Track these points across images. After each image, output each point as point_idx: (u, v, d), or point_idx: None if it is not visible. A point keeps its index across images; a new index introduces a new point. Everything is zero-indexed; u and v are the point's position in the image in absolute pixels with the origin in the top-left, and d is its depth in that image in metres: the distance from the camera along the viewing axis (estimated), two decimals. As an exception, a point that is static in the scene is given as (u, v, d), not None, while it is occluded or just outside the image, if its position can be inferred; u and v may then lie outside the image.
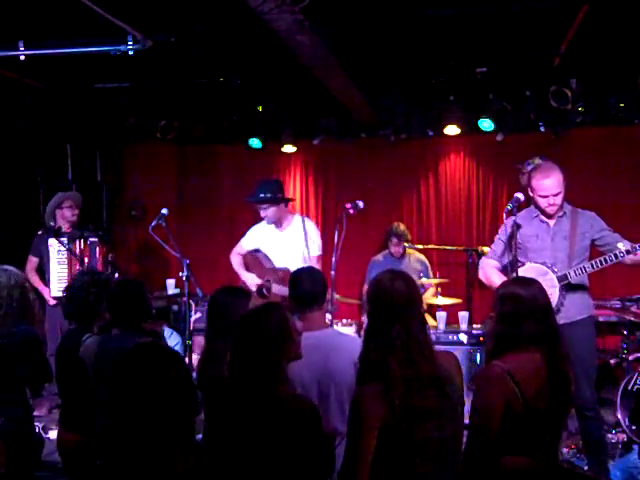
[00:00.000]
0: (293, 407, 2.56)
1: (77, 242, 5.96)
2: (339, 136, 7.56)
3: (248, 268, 5.63)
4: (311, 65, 5.46)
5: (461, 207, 7.62)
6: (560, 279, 4.20)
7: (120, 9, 4.53)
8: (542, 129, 6.94)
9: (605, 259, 4.16)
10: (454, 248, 6.85)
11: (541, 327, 2.82)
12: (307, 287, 3.49)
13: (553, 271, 4.22)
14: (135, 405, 2.13)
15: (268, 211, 5.44)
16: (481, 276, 4.66)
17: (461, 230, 7.56)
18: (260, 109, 7.42)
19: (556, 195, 4.26)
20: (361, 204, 5.38)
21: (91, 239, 6.04)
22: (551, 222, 4.36)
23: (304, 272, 3.70)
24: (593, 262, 4.20)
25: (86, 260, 5.85)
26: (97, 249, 5.99)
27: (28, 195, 7.19)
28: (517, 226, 4.25)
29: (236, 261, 5.69)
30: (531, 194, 4.38)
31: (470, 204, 7.57)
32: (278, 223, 5.52)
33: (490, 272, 4.51)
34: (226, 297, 3.64)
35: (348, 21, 4.98)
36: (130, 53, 4.97)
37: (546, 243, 4.34)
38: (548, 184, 4.25)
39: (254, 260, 5.63)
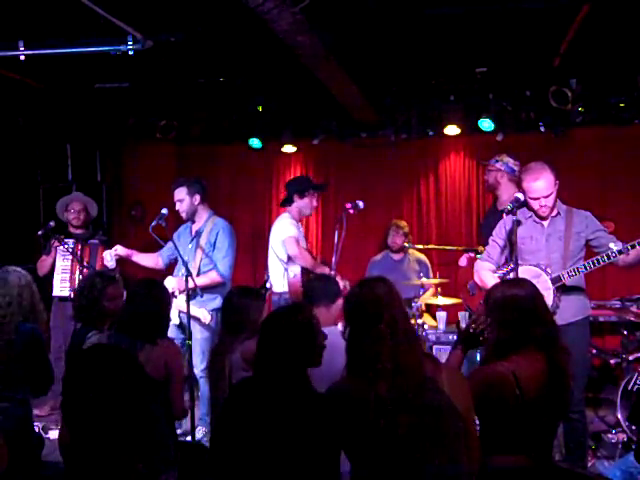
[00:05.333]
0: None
1: (79, 244, 6.04)
2: (339, 136, 7.55)
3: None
4: (311, 65, 5.46)
5: (461, 207, 7.61)
6: (554, 281, 4.14)
7: (120, 9, 4.54)
8: (542, 129, 6.93)
9: (598, 260, 4.09)
10: (454, 248, 6.83)
11: (543, 328, 2.82)
12: (311, 282, 3.57)
13: (547, 273, 4.16)
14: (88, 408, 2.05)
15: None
16: (476, 279, 4.62)
17: (461, 230, 7.55)
18: (260, 109, 7.41)
19: (547, 197, 4.20)
20: (361, 204, 5.39)
21: (92, 241, 6.10)
22: (545, 223, 4.31)
23: None
24: (586, 263, 4.14)
25: (85, 261, 5.88)
26: (98, 250, 6.00)
27: (28, 195, 7.19)
28: (518, 223, 4.19)
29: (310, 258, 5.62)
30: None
31: (470, 204, 7.56)
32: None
33: (485, 275, 4.46)
34: (240, 297, 3.85)
35: (348, 21, 4.97)
36: (130, 53, 4.97)
37: (540, 244, 4.29)
38: (538, 186, 4.18)
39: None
